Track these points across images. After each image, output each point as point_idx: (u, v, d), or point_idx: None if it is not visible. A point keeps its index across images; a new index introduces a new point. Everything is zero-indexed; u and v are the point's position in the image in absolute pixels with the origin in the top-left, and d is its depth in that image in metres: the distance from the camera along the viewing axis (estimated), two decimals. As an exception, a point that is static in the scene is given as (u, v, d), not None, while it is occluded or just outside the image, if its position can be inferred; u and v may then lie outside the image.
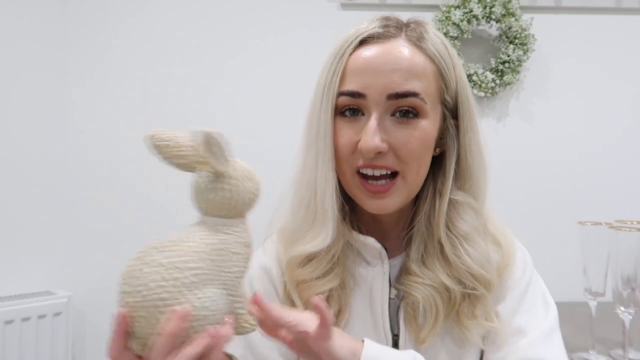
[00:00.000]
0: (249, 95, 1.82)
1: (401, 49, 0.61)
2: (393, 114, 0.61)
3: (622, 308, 1.02)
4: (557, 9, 1.80)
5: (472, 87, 1.73)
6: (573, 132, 1.80)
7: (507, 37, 1.73)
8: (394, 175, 0.62)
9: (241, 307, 0.51)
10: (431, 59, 0.62)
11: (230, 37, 1.82)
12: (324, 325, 0.51)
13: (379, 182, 0.62)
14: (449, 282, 0.63)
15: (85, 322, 1.81)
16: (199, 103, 1.82)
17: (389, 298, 0.67)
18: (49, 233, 1.79)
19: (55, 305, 1.69)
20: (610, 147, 1.79)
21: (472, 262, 0.63)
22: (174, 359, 0.44)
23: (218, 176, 0.51)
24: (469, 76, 1.73)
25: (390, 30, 0.63)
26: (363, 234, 0.67)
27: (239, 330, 0.51)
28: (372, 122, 0.60)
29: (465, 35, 1.72)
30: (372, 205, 0.63)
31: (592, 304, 1.10)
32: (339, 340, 0.54)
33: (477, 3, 1.69)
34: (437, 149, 0.66)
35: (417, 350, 0.64)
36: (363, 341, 0.56)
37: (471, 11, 1.69)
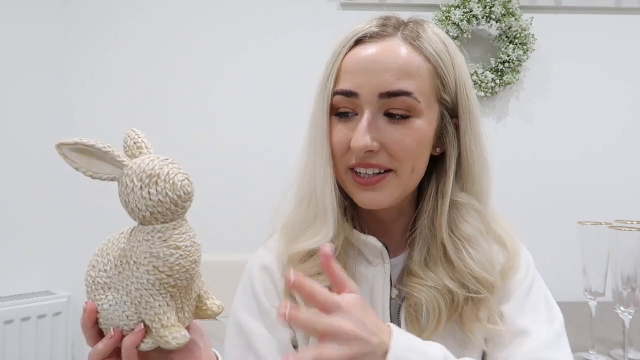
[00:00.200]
0: (249, 95, 1.82)
1: (396, 48, 0.61)
2: (386, 113, 0.61)
3: (622, 308, 1.02)
4: (557, 9, 1.80)
5: (472, 87, 1.73)
6: (573, 132, 1.80)
7: (507, 37, 1.73)
8: (386, 172, 0.62)
9: (154, 320, 0.48)
10: (427, 57, 0.62)
11: (230, 37, 1.82)
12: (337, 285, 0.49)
13: (369, 174, 0.62)
14: (452, 285, 0.63)
15: (85, 322, 1.80)
16: (199, 103, 1.82)
17: (390, 298, 0.67)
18: (49, 233, 1.79)
19: (55, 305, 1.69)
20: (610, 147, 1.79)
21: (476, 265, 0.63)
22: (91, 353, 0.50)
23: (118, 182, 0.48)
24: (469, 76, 1.73)
25: (387, 29, 0.63)
26: (365, 233, 0.67)
27: (160, 343, 0.49)
28: (364, 121, 0.60)
29: (465, 35, 1.72)
30: (364, 198, 0.63)
31: (592, 304, 1.09)
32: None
33: (477, 3, 1.69)
34: (438, 149, 0.66)
35: None
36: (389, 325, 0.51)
37: (471, 11, 1.69)
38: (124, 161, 0.47)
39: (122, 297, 0.48)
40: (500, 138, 1.79)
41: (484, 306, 0.63)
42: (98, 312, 0.50)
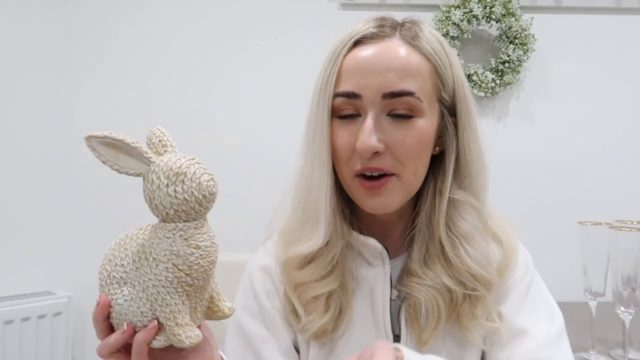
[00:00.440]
0: (249, 95, 1.82)
1: (395, 48, 0.61)
2: (389, 114, 0.61)
3: (622, 308, 1.02)
4: (557, 9, 1.80)
5: (472, 87, 1.73)
6: (573, 132, 1.80)
7: (507, 37, 1.73)
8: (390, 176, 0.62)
9: (169, 318, 0.48)
10: (426, 57, 0.62)
11: (230, 37, 1.83)
12: None
13: (375, 177, 0.62)
14: (450, 283, 0.63)
15: (85, 322, 1.81)
16: (199, 103, 1.82)
17: (390, 299, 0.67)
18: (49, 233, 1.79)
19: (55, 305, 1.69)
20: (610, 147, 1.79)
21: (472, 262, 0.63)
22: (100, 346, 0.50)
23: (143, 178, 0.48)
24: (469, 76, 1.73)
25: (385, 30, 0.63)
26: (364, 234, 0.67)
27: (172, 341, 0.49)
28: (369, 122, 0.60)
29: (465, 35, 1.72)
30: (371, 204, 0.63)
31: (592, 304, 1.09)
32: None
33: (477, 3, 1.69)
34: (437, 148, 0.66)
35: (419, 351, 0.64)
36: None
37: (471, 11, 1.69)
38: (151, 157, 0.47)
39: (137, 293, 0.48)
40: (500, 138, 1.79)
41: (481, 303, 0.63)
42: (111, 306, 0.49)
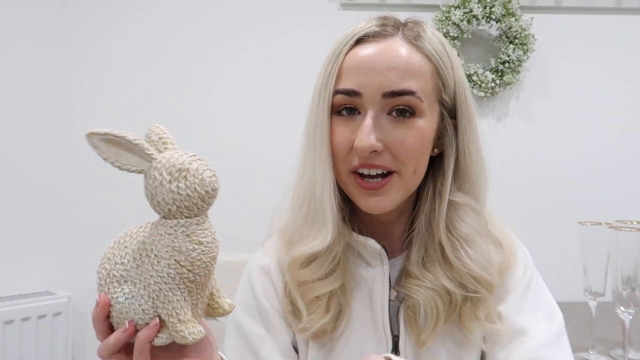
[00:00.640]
0: (249, 95, 1.82)
1: (398, 47, 0.61)
2: (389, 113, 0.61)
3: (622, 308, 1.02)
4: (557, 9, 1.80)
5: (472, 87, 1.73)
6: (573, 132, 1.80)
7: (507, 37, 1.73)
8: (389, 174, 0.62)
9: (171, 314, 0.48)
10: (428, 57, 0.62)
11: (230, 37, 1.83)
12: None
13: (374, 179, 0.62)
14: (450, 285, 0.63)
15: (85, 322, 1.81)
16: (199, 103, 1.82)
17: (389, 299, 0.67)
18: (49, 233, 1.79)
19: (55, 305, 1.69)
20: (610, 147, 1.79)
21: (473, 264, 0.62)
22: (100, 347, 0.49)
23: (145, 175, 0.48)
24: (469, 76, 1.73)
25: (387, 29, 0.63)
26: (363, 235, 0.67)
27: (175, 338, 0.49)
28: (368, 120, 0.59)
29: (465, 35, 1.72)
30: (368, 203, 0.63)
31: (592, 304, 1.09)
32: None
33: (477, 3, 1.69)
34: (436, 150, 0.66)
35: (417, 352, 0.64)
36: None
37: (471, 11, 1.69)
38: (152, 154, 0.47)
39: (139, 290, 0.48)
40: (500, 138, 1.79)
41: (483, 305, 0.63)
42: (111, 306, 0.49)
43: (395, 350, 0.65)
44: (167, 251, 0.47)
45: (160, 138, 0.50)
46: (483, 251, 0.64)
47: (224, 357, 0.60)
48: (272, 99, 1.81)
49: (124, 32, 1.83)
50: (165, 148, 0.49)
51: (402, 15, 0.67)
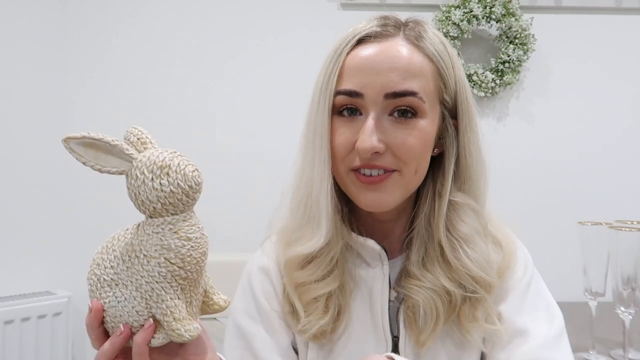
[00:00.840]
0: (249, 95, 1.82)
1: (399, 48, 0.61)
2: (391, 114, 0.61)
3: (622, 308, 1.02)
4: (557, 9, 1.80)
5: (472, 87, 1.73)
6: (573, 132, 1.80)
7: (507, 37, 1.73)
8: (391, 171, 0.62)
9: (166, 313, 0.47)
10: (430, 58, 0.62)
11: (230, 37, 1.83)
12: None
13: (373, 174, 0.61)
14: (449, 285, 0.62)
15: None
16: (199, 103, 1.82)
17: (389, 300, 0.67)
18: (49, 233, 1.79)
19: (55, 305, 1.69)
20: (610, 147, 1.79)
21: (472, 264, 0.62)
22: (98, 355, 0.48)
23: (126, 175, 0.48)
24: (469, 76, 1.73)
25: (388, 29, 0.63)
26: (363, 235, 0.67)
27: (172, 337, 0.48)
28: (370, 122, 0.59)
29: (465, 35, 1.72)
30: (367, 199, 0.62)
31: (592, 304, 1.09)
32: None
33: (477, 3, 1.69)
34: (436, 150, 0.66)
35: (417, 352, 0.64)
36: None
37: (471, 11, 1.69)
38: (132, 154, 0.47)
39: (131, 292, 0.48)
40: (500, 138, 1.79)
41: (481, 306, 0.63)
42: (104, 310, 0.49)
43: (395, 351, 0.65)
44: (156, 250, 0.47)
45: (138, 139, 0.50)
46: (482, 251, 0.64)
47: (223, 358, 0.60)
48: (272, 99, 1.81)
49: (124, 32, 1.83)
50: (145, 148, 0.49)
51: (402, 15, 0.67)
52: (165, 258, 0.46)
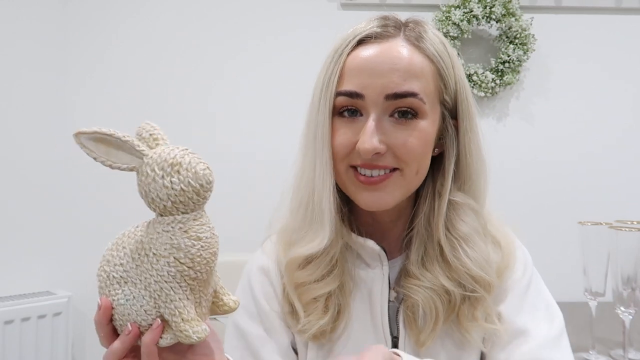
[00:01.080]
0: (249, 95, 1.82)
1: (400, 48, 0.61)
2: (391, 115, 0.61)
3: (622, 308, 1.02)
4: (557, 9, 1.80)
5: (472, 87, 1.73)
6: (573, 132, 1.80)
7: (507, 37, 1.73)
8: (392, 170, 0.62)
9: (174, 314, 0.47)
10: (430, 58, 0.62)
11: (230, 37, 1.82)
12: None
13: (374, 175, 0.61)
14: (448, 284, 0.62)
15: (85, 322, 1.80)
16: (199, 103, 1.82)
17: (389, 300, 0.67)
18: (49, 233, 1.79)
19: (55, 305, 1.69)
20: (610, 147, 1.79)
21: (472, 264, 0.62)
22: (107, 354, 0.48)
23: (137, 172, 0.47)
24: (469, 76, 1.73)
25: (388, 30, 0.63)
26: (362, 235, 0.67)
27: (180, 338, 0.47)
28: (370, 123, 0.59)
29: (465, 35, 1.72)
30: (367, 199, 0.62)
31: (592, 304, 1.09)
32: None
33: (477, 3, 1.69)
34: (436, 150, 0.66)
35: (417, 352, 0.64)
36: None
37: (471, 11, 1.69)
38: (143, 150, 0.46)
39: (139, 291, 0.47)
40: (500, 138, 1.79)
41: (481, 305, 0.63)
42: (113, 308, 0.48)
43: None
44: (165, 249, 0.46)
45: (151, 135, 0.49)
46: (482, 251, 0.64)
47: (230, 359, 0.59)
48: (272, 99, 1.81)
49: (124, 32, 1.83)
50: (157, 144, 0.48)
51: (402, 15, 0.67)
52: (174, 257, 0.46)
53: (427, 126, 0.61)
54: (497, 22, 1.72)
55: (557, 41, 1.79)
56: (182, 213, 0.47)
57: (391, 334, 0.66)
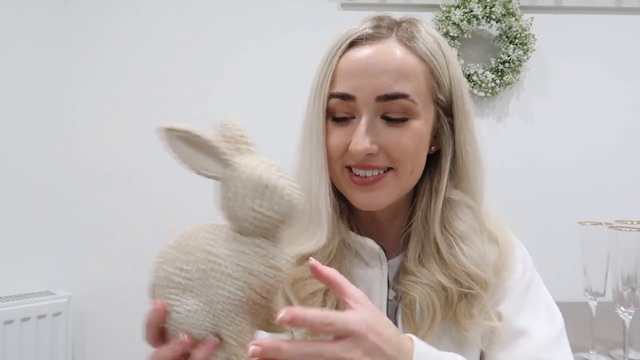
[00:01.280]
0: (249, 95, 1.82)
1: (391, 49, 0.61)
2: (383, 116, 0.61)
3: (622, 308, 1.02)
4: (557, 9, 1.80)
5: (472, 87, 1.73)
6: (573, 132, 1.79)
7: (507, 37, 1.73)
8: (386, 170, 0.62)
9: (233, 337, 0.44)
10: (422, 58, 0.62)
11: (230, 37, 1.82)
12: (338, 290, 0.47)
13: (368, 175, 0.61)
14: (445, 281, 0.63)
15: (85, 322, 1.81)
16: (199, 103, 1.82)
17: (388, 299, 0.67)
18: (49, 233, 1.79)
19: (55, 305, 1.69)
20: (610, 147, 1.79)
21: (468, 261, 0.63)
22: (153, 355, 0.45)
23: (222, 182, 0.43)
24: (469, 76, 1.73)
25: (381, 31, 0.63)
26: (361, 234, 0.67)
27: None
28: (362, 124, 0.60)
29: (465, 35, 1.72)
30: (362, 199, 0.63)
31: (592, 304, 1.09)
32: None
33: (477, 3, 1.69)
34: (432, 148, 0.66)
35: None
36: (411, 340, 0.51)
37: (471, 11, 1.69)
38: (228, 160, 0.43)
39: (202, 305, 0.43)
40: (500, 138, 1.79)
41: (478, 303, 0.63)
42: (167, 312, 0.45)
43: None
44: (237, 270, 0.42)
45: (242, 136, 0.45)
46: (478, 249, 0.64)
47: None
48: (272, 99, 1.81)
49: (124, 32, 1.83)
50: (238, 149, 0.45)
51: (399, 15, 0.67)
52: (245, 282, 0.43)
53: (420, 126, 0.62)
54: (497, 22, 1.72)
55: (557, 41, 1.79)
56: (262, 237, 0.43)
57: (390, 333, 0.66)
